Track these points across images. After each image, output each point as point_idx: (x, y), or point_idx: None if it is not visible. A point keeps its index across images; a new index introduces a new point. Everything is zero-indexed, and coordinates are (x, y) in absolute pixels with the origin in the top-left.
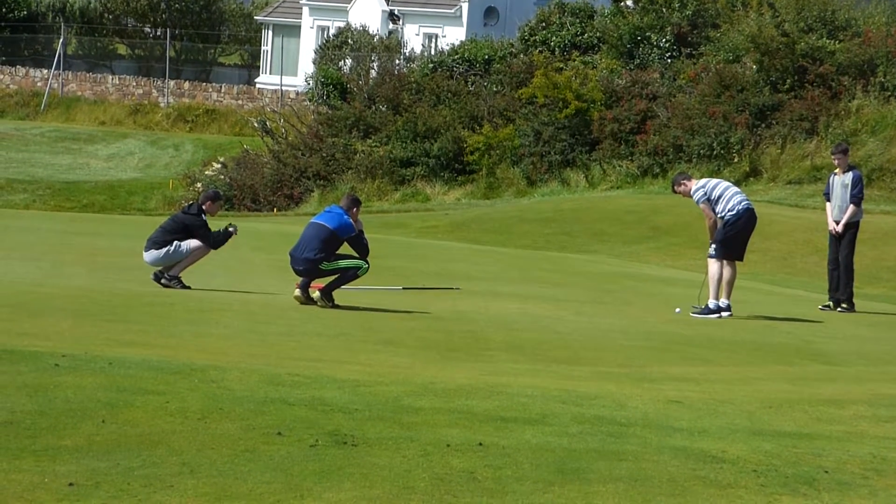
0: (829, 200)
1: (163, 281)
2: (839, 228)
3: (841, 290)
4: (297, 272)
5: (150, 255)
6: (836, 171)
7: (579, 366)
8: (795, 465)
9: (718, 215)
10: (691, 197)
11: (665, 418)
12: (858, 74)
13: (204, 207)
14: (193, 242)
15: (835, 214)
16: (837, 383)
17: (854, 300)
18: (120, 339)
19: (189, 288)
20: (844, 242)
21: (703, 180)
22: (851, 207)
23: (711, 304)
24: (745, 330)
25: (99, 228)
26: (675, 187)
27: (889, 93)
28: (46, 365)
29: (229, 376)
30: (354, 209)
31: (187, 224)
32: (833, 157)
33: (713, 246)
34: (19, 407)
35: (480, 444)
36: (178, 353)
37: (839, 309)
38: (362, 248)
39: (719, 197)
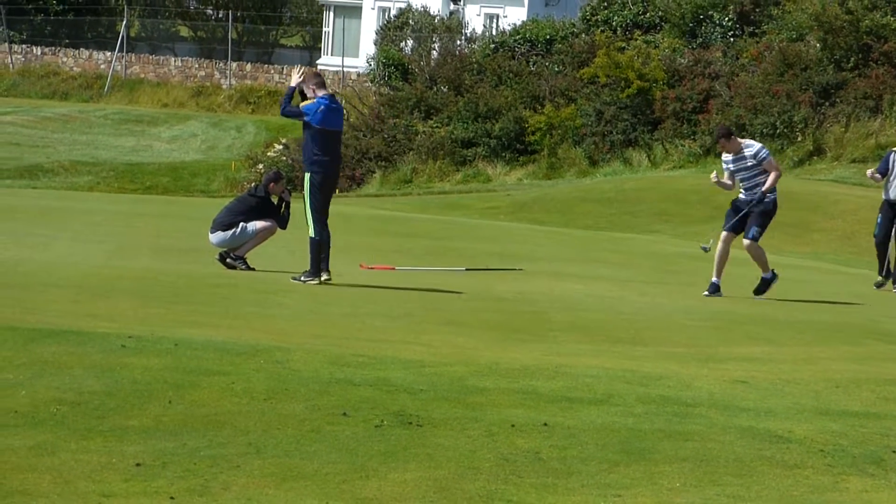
0: (882, 177)
1: (227, 261)
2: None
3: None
4: None
5: (217, 236)
6: (895, 148)
7: (643, 346)
8: (862, 445)
9: (757, 188)
10: (742, 152)
11: (731, 398)
12: None
13: (269, 188)
14: (259, 223)
15: (892, 193)
16: None
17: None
18: (185, 320)
19: (254, 269)
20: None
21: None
22: None
23: (767, 275)
24: (810, 310)
25: (162, 210)
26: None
27: None
28: (113, 346)
29: (294, 357)
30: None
31: (252, 206)
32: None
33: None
34: (87, 388)
35: (545, 424)
36: (243, 333)
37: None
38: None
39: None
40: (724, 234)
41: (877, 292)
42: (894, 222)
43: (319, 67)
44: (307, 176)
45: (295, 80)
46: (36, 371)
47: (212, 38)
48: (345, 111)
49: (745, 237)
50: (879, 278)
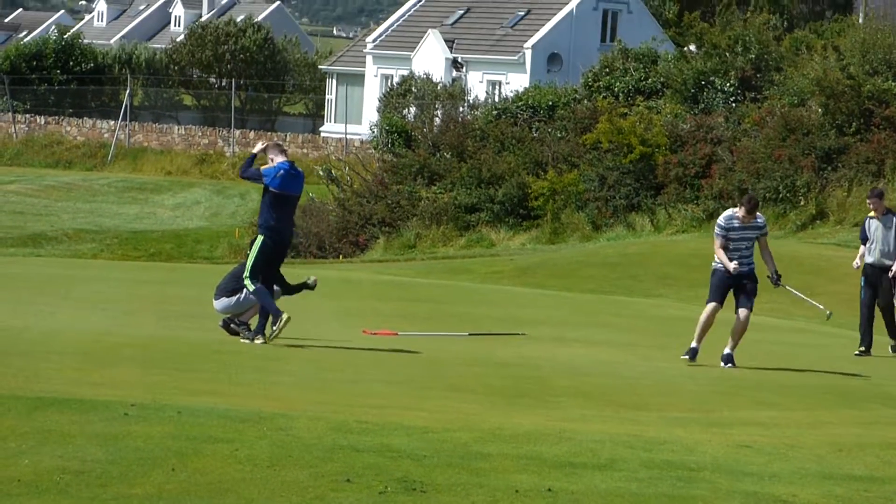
0: (864, 244)
1: (231, 327)
2: (856, 264)
3: (891, 333)
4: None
5: (221, 302)
6: (872, 214)
7: (647, 411)
8: None
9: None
10: (756, 221)
11: (735, 463)
12: None
13: None
14: None
15: (875, 257)
16: None
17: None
18: (188, 387)
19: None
20: (886, 285)
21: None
22: None
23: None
24: (815, 374)
25: (166, 277)
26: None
27: None
28: (116, 414)
29: (297, 424)
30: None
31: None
32: (869, 201)
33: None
34: (90, 456)
35: (549, 489)
36: (246, 401)
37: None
38: None
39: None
40: (713, 305)
41: (883, 354)
42: (878, 286)
43: (322, 134)
44: (259, 238)
45: (258, 147)
46: (39, 439)
47: (215, 107)
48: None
49: (745, 308)
50: (893, 342)
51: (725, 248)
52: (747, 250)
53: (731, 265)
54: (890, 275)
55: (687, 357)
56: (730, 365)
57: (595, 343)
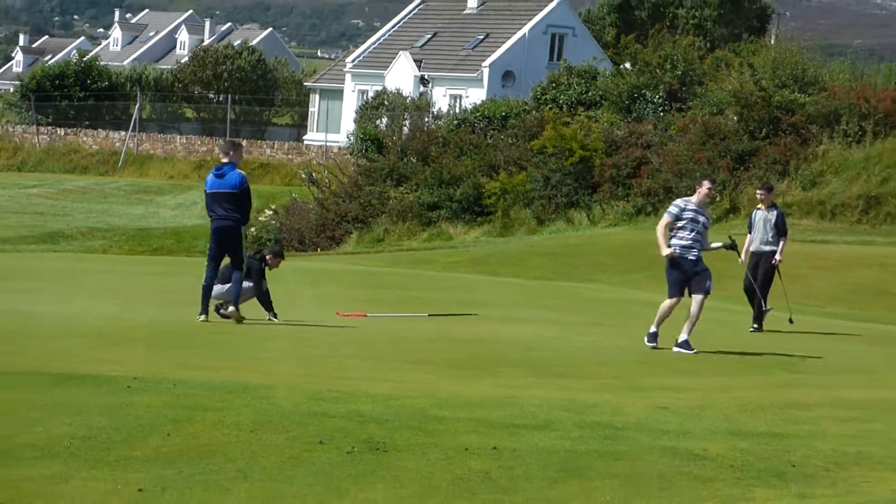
0: (750, 233)
1: (222, 311)
2: (778, 257)
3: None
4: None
5: (216, 289)
6: (760, 206)
7: (582, 379)
8: (767, 461)
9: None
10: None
11: (655, 422)
12: (825, 123)
13: (267, 258)
14: (250, 283)
15: (755, 246)
16: (803, 389)
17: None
18: (185, 363)
19: (244, 319)
20: (763, 271)
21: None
22: (785, 239)
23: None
24: (725, 346)
25: (167, 269)
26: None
27: (851, 139)
28: (121, 387)
29: (277, 394)
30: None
31: (249, 266)
32: (759, 193)
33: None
34: (96, 423)
35: (495, 448)
36: (235, 374)
37: (751, 329)
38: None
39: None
40: (675, 300)
41: (783, 328)
42: (758, 272)
43: (306, 142)
44: None
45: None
46: (52, 410)
47: (213, 119)
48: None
49: (699, 293)
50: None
51: (676, 231)
52: (701, 237)
53: (665, 250)
54: (774, 262)
55: (646, 341)
56: (685, 351)
57: (539, 322)
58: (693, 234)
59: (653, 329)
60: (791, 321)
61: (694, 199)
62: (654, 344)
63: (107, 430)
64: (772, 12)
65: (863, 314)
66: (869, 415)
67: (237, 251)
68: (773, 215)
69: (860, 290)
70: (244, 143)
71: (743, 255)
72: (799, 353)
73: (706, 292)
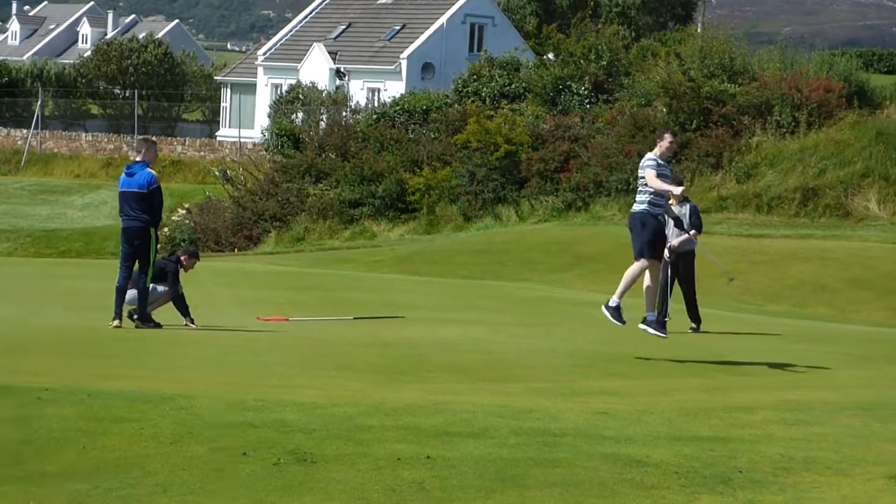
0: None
1: (135, 318)
2: (674, 243)
3: (664, 307)
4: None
5: (128, 294)
6: (671, 202)
7: (514, 383)
8: (712, 466)
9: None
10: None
11: (594, 428)
12: (757, 114)
13: (182, 259)
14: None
15: (679, 243)
16: (748, 391)
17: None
18: (97, 372)
19: (160, 326)
20: (685, 274)
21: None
22: (693, 231)
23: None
24: (662, 346)
25: (76, 272)
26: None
27: (784, 129)
28: (30, 398)
29: (198, 403)
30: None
31: (163, 268)
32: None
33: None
34: (5, 437)
35: (428, 456)
36: (151, 383)
37: (690, 329)
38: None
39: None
40: (646, 263)
41: (724, 327)
42: (677, 269)
43: (218, 138)
44: None
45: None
46: None
47: (120, 115)
48: (153, 176)
49: (657, 258)
50: (693, 325)
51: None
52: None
53: (678, 189)
54: (665, 252)
55: (609, 316)
56: (654, 332)
57: (467, 323)
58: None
59: (615, 301)
60: (732, 280)
61: (656, 152)
62: (620, 320)
63: (16, 444)
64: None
65: (803, 311)
66: (816, 417)
67: (145, 255)
68: (686, 210)
69: (800, 286)
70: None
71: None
72: (740, 353)
73: (660, 259)
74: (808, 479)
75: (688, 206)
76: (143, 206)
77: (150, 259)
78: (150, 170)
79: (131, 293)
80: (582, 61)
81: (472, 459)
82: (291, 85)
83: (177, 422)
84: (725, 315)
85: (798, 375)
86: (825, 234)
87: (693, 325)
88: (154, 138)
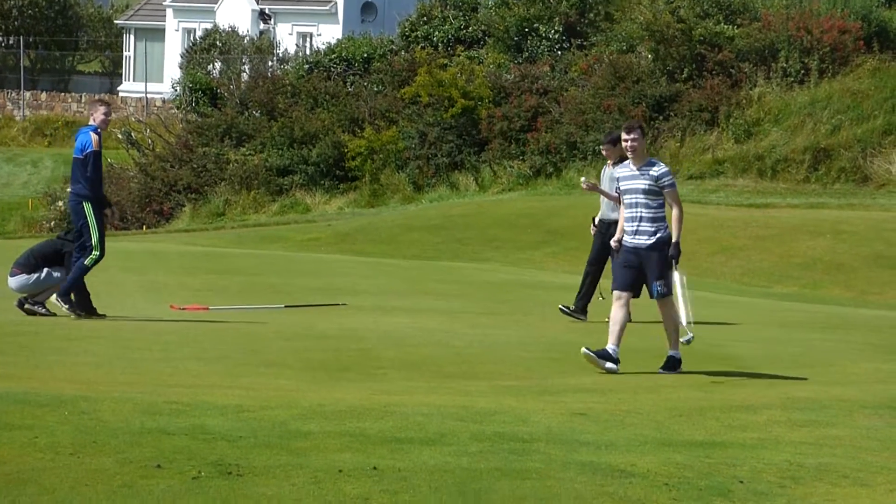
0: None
1: (27, 307)
2: (592, 229)
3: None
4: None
5: (17, 280)
6: (608, 163)
7: (477, 381)
8: (709, 477)
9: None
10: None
11: (569, 432)
12: (759, 61)
13: None
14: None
15: (602, 212)
16: (749, 388)
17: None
18: None
19: (55, 315)
20: (605, 241)
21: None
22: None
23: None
24: (647, 336)
25: None
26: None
27: (792, 79)
28: None
29: (102, 407)
30: (104, 111)
31: (58, 249)
32: (602, 147)
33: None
34: None
35: (375, 468)
36: (46, 384)
37: (561, 307)
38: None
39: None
40: (616, 294)
41: (720, 314)
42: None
43: (121, 94)
44: None
45: None
46: None
47: (2, 67)
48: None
49: (659, 292)
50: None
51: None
52: (640, 209)
53: (581, 180)
54: (612, 243)
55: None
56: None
57: (420, 311)
58: (635, 205)
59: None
60: (602, 297)
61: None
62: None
63: None
64: None
65: (815, 294)
66: (829, 417)
67: (81, 229)
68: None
69: (811, 265)
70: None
71: (592, 227)
72: (741, 343)
73: (667, 292)
74: (821, 490)
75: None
76: (78, 173)
77: (89, 236)
78: (95, 134)
79: (21, 280)
80: None
81: (427, 470)
82: (207, 30)
83: (77, 429)
84: (724, 299)
85: (809, 369)
86: (840, 203)
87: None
88: (104, 97)
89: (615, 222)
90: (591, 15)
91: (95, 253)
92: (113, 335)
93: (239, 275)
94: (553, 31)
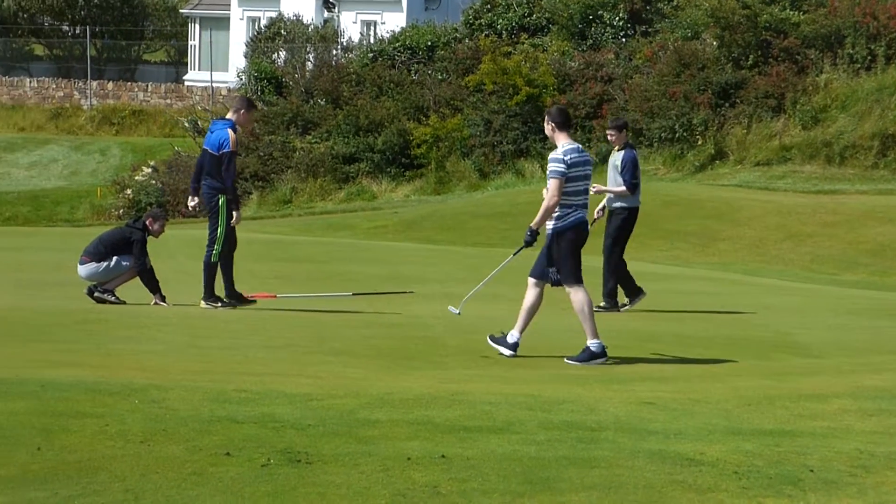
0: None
1: (96, 295)
2: (597, 214)
3: (603, 282)
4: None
5: (87, 268)
6: (615, 149)
7: (543, 369)
8: (778, 465)
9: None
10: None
11: (638, 421)
12: (825, 47)
13: (147, 223)
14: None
15: (607, 198)
16: (819, 376)
17: (618, 298)
18: (52, 359)
19: (124, 303)
20: (609, 230)
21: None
22: (621, 188)
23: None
24: (717, 324)
25: (23, 242)
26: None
27: (858, 65)
28: None
29: (171, 395)
30: (242, 111)
31: (127, 237)
32: (608, 133)
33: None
34: None
35: (443, 456)
36: (116, 372)
37: (595, 308)
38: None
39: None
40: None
41: (789, 302)
42: (616, 233)
43: (186, 83)
44: None
45: None
46: None
47: (69, 56)
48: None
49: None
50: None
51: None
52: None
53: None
54: (595, 215)
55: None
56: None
57: (487, 299)
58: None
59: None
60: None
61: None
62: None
63: None
64: None
65: (884, 281)
66: None
67: (213, 225)
68: (619, 159)
69: (880, 252)
70: (246, 96)
71: (597, 212)
72: (809, 331)
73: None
74: (893, 479)
75: (623, 154)
76: (213, 169)
77: (216, 231)
78: (232, 131)
79: (90, 268)
80: None
81: (495, 459)
82: (271, 18)
83: (148, 417)
84: (792, 286)
85: (878, 357)
86: None
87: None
88: (252, 97)
89: (622, 209)
90: (656, 2)
91: (218, 247)
92: (181, 323)
93: (306, 262)
94: (617, 19)
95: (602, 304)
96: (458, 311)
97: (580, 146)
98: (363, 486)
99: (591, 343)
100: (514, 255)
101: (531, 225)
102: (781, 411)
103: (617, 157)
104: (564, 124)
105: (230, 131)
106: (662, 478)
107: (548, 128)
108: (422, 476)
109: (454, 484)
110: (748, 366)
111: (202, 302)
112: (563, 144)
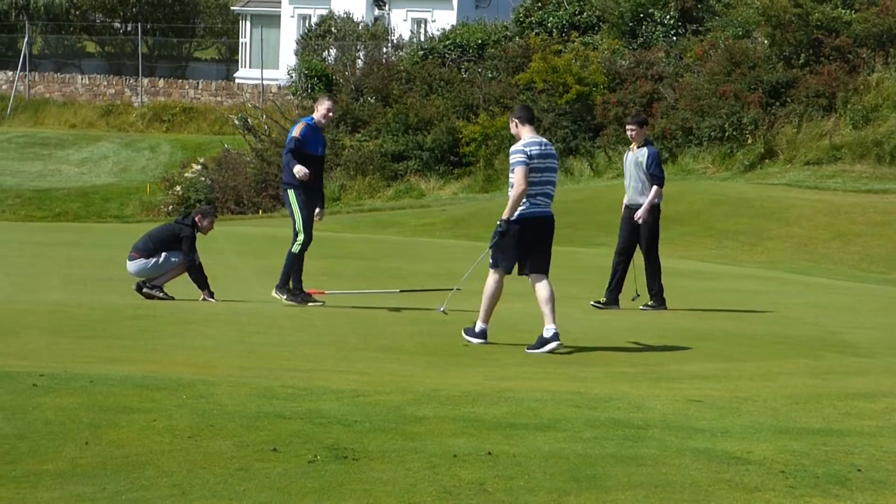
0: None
1: (145, 291)
2: (640, 215)
3: (649, 284)
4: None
5: (136, 264)
6: (632, 146)
7: (591, 366)
8: (826, 464)
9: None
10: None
11: (685, 419)
12: (877, 46)
13: (196, 220)
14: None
15: (629, 196)
16: (867, 376)
17: (665, 295)
18: (101, 355)
19: (172, 298)
20: (643, 230)
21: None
22: (655, 188)
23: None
24: (765, 322)
25: (74, 238)
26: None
27: None
28: (24, 385)
29: (219, 391)
30: (327, 106)
31: (176, 233)
32: (628, 129)
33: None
34: None
35: (489, 453)
36: (164, 368)
37: (643, 307)
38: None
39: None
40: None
41: (838, 302)
42: (638, 231)
43: (237, 81)
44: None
45: None
46: None
47: (121, 53)
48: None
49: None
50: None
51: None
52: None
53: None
54: (637, 218)
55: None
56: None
57: (533, 296)
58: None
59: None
60: (637, 295)
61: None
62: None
63: (10, 439)
64: None
65: None
66: None
67: (291, 216)
68: (643, 156)
69: None
70: (330, 95)
71: (637, 217)
72: (858, 331)
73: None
74: None
75: (645, 151)
76: (284, 162)
77: (294, 221)
78: (301, 127)
79: (139, 265)
80: None
81: (541, 456)
82: (322, 16)
83: (195, 412)
84: (841, 285)
85: None
86: None
87: (651, 303)
88: (329, 94)
89: (653, 207)
90: (707, 0)
91: (301, 238)
92: (229, 319)
93: (354, 259)
94: (668, 17)
95: (650, 302)
96: (443, 310)
97: (545, 140)
98: (409, 482)
99: (479, 326)
100: (490, 248)
101: (503, 216)
102: (829, 410)
103: (640, 154)
104: (528, 119)
105: (300, 125)
106: (709, 476)
107: (512, 125)
108: (468, 473)
109: (500, 481)
110: (796, 364)
111: (273, 291)
112: (526, 138)
